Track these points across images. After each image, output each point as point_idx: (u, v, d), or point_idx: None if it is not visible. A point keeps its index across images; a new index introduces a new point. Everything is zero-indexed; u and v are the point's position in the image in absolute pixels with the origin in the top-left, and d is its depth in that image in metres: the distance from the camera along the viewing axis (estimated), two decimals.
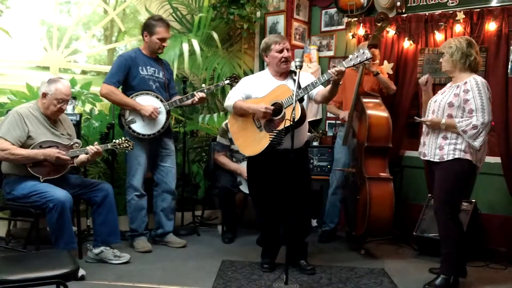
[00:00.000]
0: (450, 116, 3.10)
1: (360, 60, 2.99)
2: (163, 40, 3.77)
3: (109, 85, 3.65)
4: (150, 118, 3.70)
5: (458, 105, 3.07)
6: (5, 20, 3.89)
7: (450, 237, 3.15)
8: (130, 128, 3.70)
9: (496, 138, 4.06)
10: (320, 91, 3.29)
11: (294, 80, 3.23)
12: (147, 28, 3.76)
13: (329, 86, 3.21)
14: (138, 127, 3.73)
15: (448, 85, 3.29)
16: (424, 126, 3.29)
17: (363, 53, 2.97)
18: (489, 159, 4.12)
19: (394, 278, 3.35)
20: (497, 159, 4.02)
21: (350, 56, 3.04)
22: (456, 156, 3.07)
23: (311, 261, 3.54)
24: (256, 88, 3.33)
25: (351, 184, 4.03)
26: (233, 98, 3.33)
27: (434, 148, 3.17)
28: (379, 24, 3.98)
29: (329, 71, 3.05)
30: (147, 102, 3.73)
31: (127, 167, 3.84)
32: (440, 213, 3.15)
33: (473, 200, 3.87)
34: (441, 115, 3.12)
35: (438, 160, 3.15)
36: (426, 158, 3.24)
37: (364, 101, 3.87)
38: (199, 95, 3.83)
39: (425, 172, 3.57)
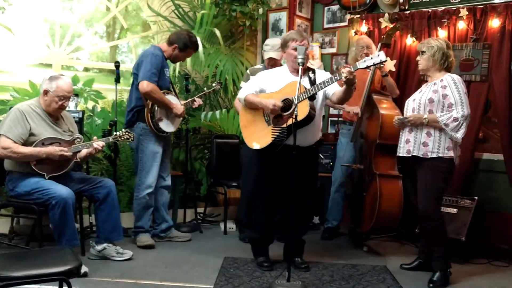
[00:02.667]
0: (430, 112, 3.20)
1: (374, 62, 2.96)
2: (185, 58, 3.99)
3: (151, 83, 3.65)
4: (179, 117, 3.86)
5: (437, 100, 3.19)
6: (7, 17, 3.89)
7: (441, 233, 3.22)
8: (156, 126, 3.74)
9: (499, 135, 4.05)
10: (336, 91, 3.24)
11: (310, 78, 3.23)
12: (181, 43, 3.81)
13: (344, 87, 3.14)
14: (164, 125, 3.80)
15: (424, 85, 3.38)
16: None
17: (378, 55, 2.95)
18: (492, 156, 4.13)
19: (397, 275, 3.35)
20: (500, 156, 4.01)
21: (365, 57, 3.02)
22: (440, 155, 3.17)
23: (313, 258, 3.55)
24: (271, 82, 3.32)
25: (357, 181, 4.02)
26: (245, 91, 3.36)
27: (419, 144, 3.23)
28: (392, 25, 3.98)
29: (342, 71, 2.98)
30: (174, 101, 3.83)
31: (141, 164, 3.82)
32: (430, 211, 3.20)
33: (476, 198, 3.86)
34: (422, 112, 3.22)
35: (421, 156, 3.21)
36: (411, 154, 3.27)
37: (375, 98, 3.87)
38: (199, 101, 4.08)
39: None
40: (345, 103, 3.49)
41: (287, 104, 3.17)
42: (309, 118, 3.10)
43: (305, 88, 3.07)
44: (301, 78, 2.98)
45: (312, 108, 3.12)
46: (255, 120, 3.34)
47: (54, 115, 3.32)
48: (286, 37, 3.30)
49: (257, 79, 3.41)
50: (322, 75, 3.24)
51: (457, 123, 3.12)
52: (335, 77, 3.03)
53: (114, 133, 3.45)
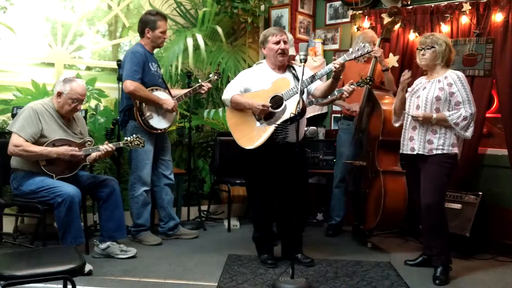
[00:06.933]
0: (437, 110, 3.19)
1: (361, 53, 3.08)
2: (164, 33, 3.84)
3: (135, 82, 3.63)
4: (171, 112, 3.81)
5: (444, 98, 3.17)
6: (9, 17, 3.89)
7: (443, 228, 3.24)
8: (147, 123, 3.72)
9: (503, 130, 4.03)
10: (318, 85, 3.31)
11: (293, 74, 3.28)
12: (148, 24, 3.77)
13: (329, 81, 3.23)
14: (155, 122, 3.77)
15: (423, 81, 3.32)
16: (409, 121, 3.32)
17: (363, 46, 3.07)
18: (496, 151, 4.11)
19: (401, 271, 3.34)
20: (504, 152, 3.99)
21: (351, 49, 3.11)
22: (445, 151, 3.18)
23: (318, 255, 3.54)
24: (256, 81, 3.32)
25: (359, 178, 4.01)
26: (230, 92, 3.33)
27: (424, 142, 3.23)
28: (390, 19, 3.97)
29: (331, 64, 3.08)
30: (163, 97, 3.79)
31: (135, 163, 3.82)
32: (435, 205, 3.20)
33: (480, 193, 3.84)
34: (429, 110, 3.20)
35: (427, 154, 3.21)
36: (415, 152, 3.26)
37: (376, 93, 3.85)
38: (207, 85, 4.02)
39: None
40: (329, 96, 3.54)
41: (277, 101, 3.18)
42: (303, 112, 3.14)
43: (299, 83, 3.07)
44: (303, 72, 3.00)
45: (303, 102, 3.15)
46: (245, 121, 3.30)
47: (66, 117, 3.34)
48: (266, 33, 3.35)
49: (241, 79, 3.40)
50: (300, 71, 3.20)
51: (466, 121, 3.13)
52: (325, 70, 3.13)
53: (125, 138, 3.47)
